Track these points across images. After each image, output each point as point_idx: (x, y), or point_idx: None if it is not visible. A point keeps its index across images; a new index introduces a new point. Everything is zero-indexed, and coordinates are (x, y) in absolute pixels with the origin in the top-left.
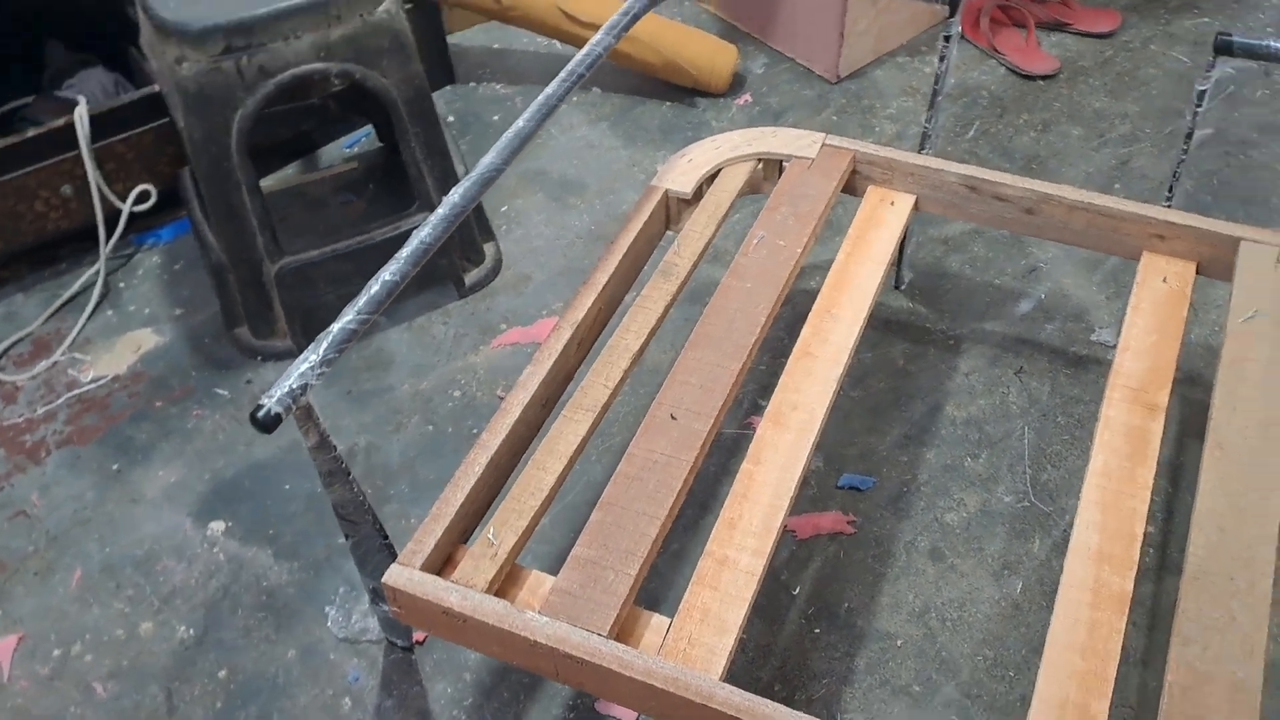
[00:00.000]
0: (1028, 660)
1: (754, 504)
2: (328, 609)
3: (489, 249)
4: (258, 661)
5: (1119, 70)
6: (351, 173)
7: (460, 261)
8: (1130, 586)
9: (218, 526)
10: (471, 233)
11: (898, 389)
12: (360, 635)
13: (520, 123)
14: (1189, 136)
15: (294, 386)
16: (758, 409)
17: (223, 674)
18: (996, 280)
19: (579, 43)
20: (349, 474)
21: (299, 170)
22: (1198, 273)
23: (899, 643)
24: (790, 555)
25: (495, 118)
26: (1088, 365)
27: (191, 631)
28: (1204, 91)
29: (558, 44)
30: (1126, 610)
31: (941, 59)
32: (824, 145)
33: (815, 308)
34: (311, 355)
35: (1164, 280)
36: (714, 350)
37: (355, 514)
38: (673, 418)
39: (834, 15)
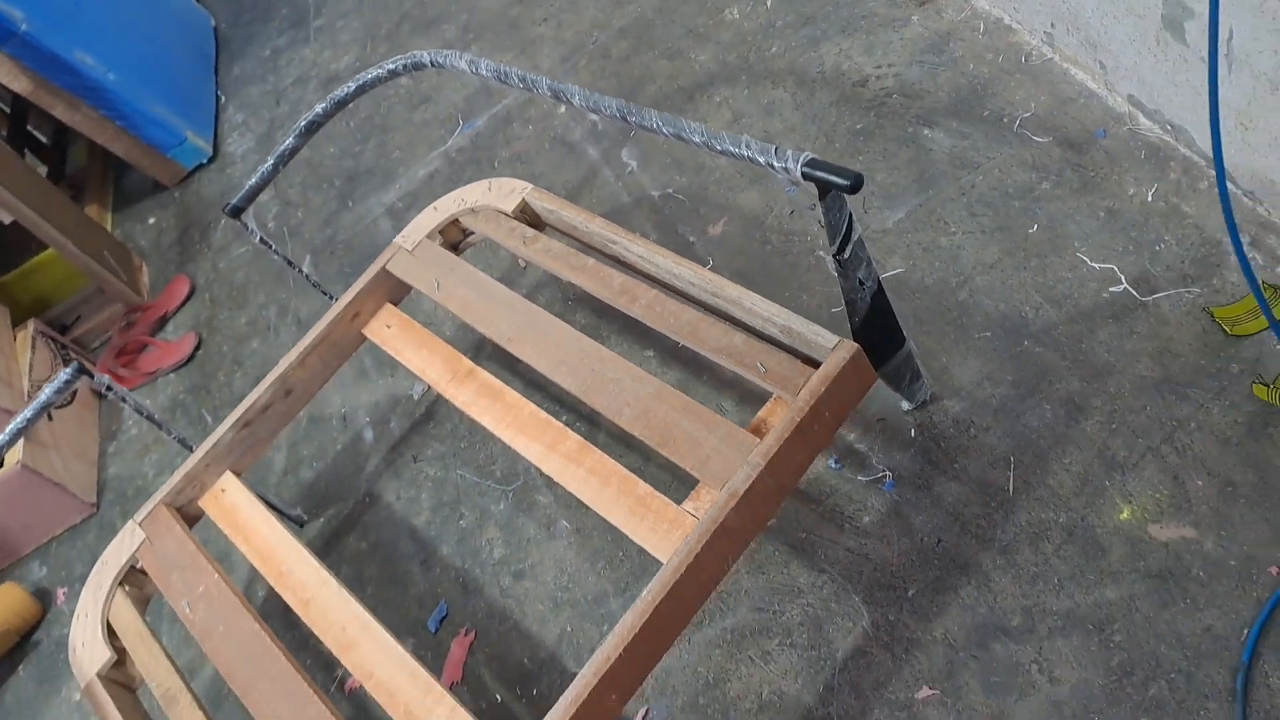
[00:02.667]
0: (618, 544)
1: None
2: None
3: None
4: None
5: (225, 294)
6: None
7: None
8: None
9: None
10: None
11: (380, 546)
12: None
13: None
14: (318, 285)
15: None
16: (337, 684)
17: None
18: (335, 442)
19: None
20: None
21: None
22: (393, 301)
23: (568, 629)
24: (470, 696)
25: None
26: (431, 415)
27: None
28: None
29: None
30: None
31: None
32: (141, 530)
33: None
34: None
35: (388, 328)
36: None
37: None
38: None
39: (40, 489)
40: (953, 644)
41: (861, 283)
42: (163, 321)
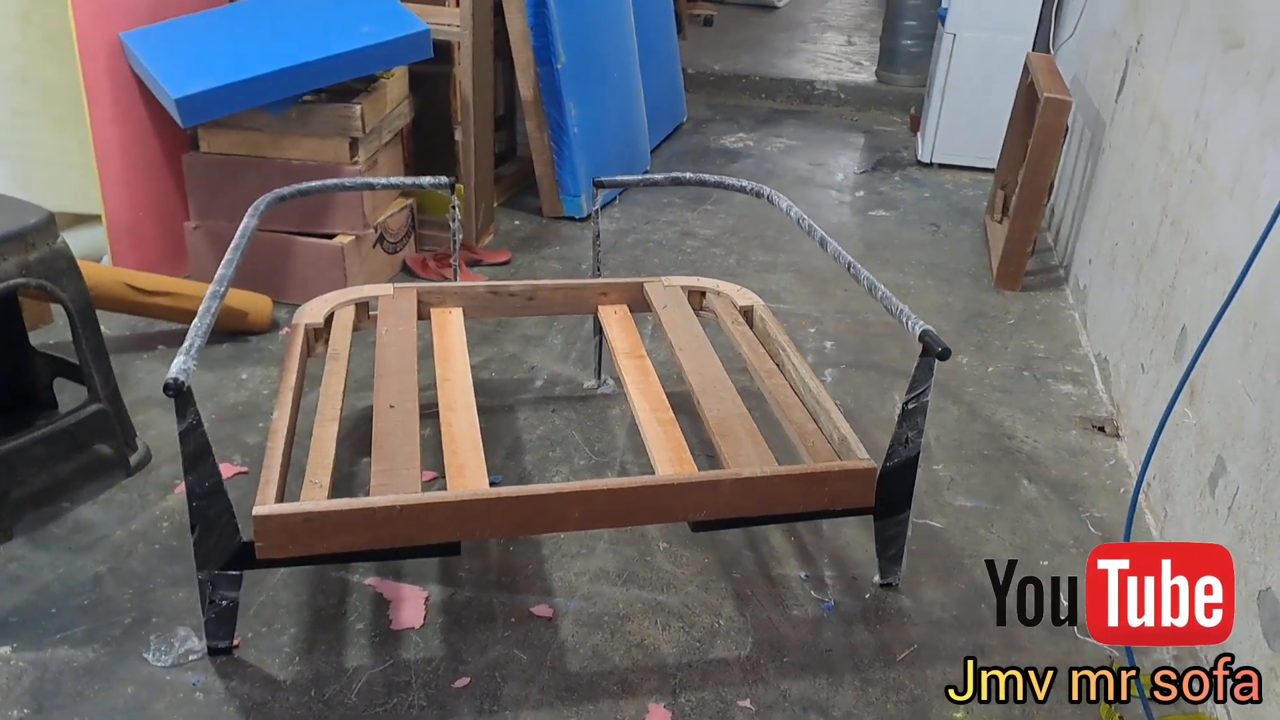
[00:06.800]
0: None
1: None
2: (145, 653)
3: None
4: (105, 701)
5: (524, 274)
6: None
7: (122, 447)
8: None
9: (4, 651)
10: (128, 424)
11: (493, 432)
12: (185, 658)
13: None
14: (597, 258)
15: (182, 369)
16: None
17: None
18: (515, 375)
19: (146, 311)
20: (211, 455)
21: None
22: (631, 309)
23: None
24: None
25: None
26: (587, 399)
27: (26, 711)
28: (598, 235)
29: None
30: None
31: (452, 227)
32: (395, 289)
33: (438, 377)
34: (189, 343)
35: (615, 313)
36: (394, 372)
37: (211, 491)
38: (391, 406)
39: (337, 269)
40: (786, 698)
41: (907, 440)
42: (475, 264)
